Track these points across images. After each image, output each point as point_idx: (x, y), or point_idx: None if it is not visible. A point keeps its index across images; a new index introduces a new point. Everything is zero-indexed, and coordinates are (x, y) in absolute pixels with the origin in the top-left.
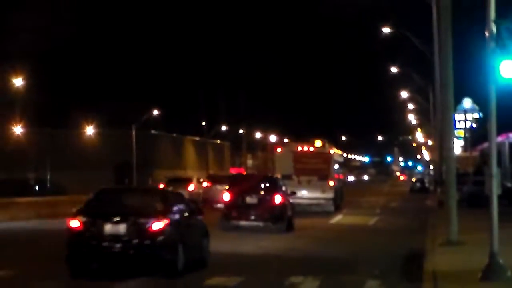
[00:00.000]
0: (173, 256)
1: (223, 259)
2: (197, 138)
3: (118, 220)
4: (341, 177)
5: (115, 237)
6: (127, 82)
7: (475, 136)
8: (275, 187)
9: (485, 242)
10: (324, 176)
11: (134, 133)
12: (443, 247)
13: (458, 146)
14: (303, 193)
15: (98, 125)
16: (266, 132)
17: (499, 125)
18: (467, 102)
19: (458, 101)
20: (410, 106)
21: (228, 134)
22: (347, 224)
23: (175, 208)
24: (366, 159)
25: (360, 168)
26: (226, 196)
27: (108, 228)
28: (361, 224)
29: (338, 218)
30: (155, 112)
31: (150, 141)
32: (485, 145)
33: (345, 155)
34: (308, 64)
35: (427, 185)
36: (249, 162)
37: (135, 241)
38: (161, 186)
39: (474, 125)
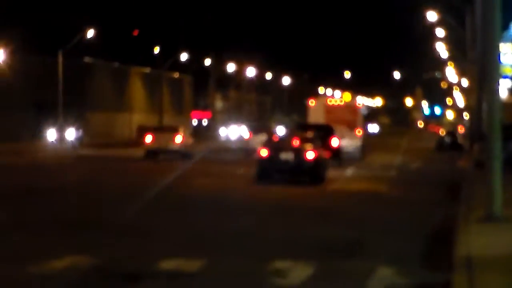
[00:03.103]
0: (316, 173)
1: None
2: (148, 70)
3: (288, 151)
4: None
5: (286, 161)
6: None
7: None
8: (331, 133)
9: None
10: (352, 126)
11: (60, 61)
12: (481, 224)
13: (504, 88)
14: None
15: (11, 50)
16: (241, 64)
17: None
18: None
19: (506, 25)
20: (440, 32)
21: (190, 66)
22: (352, 191)
23: (318, 145)
24: (378, 102)
25: (369, 117)
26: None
27: (283, 155)
28: (370, 191)
29: (339, 183)
30: (91, 34)
31: (82, 72)
32: None
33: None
34: None
35: (460, 140)
36: (219, 104)
37: (297, 164)
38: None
39: None
